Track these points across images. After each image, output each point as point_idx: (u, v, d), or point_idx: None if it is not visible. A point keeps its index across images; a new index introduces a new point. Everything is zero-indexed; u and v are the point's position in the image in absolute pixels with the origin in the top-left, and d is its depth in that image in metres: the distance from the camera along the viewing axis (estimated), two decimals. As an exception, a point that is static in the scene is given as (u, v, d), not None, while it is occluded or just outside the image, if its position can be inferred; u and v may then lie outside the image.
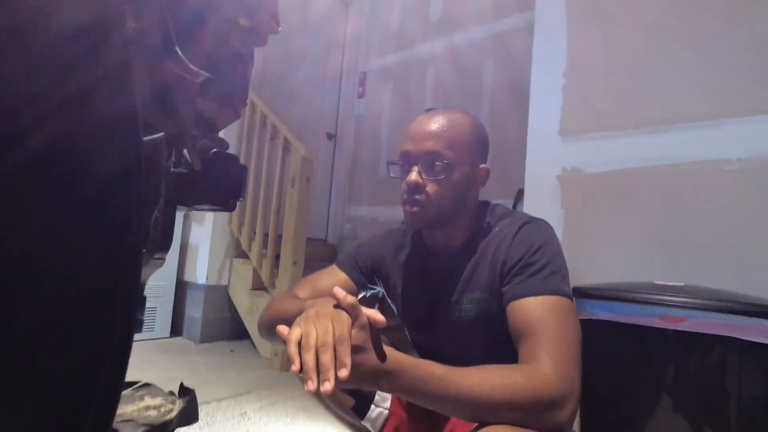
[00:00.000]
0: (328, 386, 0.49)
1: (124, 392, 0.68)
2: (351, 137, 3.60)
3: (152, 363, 2.08)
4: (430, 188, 0.77)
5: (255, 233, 2.47)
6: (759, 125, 1.16)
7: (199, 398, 1.75)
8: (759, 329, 0.85)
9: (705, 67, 1.26)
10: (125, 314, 0.26)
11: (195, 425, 1.43)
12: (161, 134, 0.61)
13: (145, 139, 0.62)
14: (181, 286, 2.68)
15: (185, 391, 0.68)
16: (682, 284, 1.02)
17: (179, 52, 0.35)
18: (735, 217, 1.17)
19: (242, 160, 2.66)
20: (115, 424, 0.53)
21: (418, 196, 0.77)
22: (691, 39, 1.29)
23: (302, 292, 0.89)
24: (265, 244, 2.42)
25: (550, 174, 1.46)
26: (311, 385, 0.49)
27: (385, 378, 0.53)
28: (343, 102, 3.60)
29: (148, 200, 0.69)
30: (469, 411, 0.55)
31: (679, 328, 0.89)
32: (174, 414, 0.59)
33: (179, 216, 2.66)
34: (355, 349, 0.52)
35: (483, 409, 0.54)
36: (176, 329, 2.65)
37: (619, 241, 1.32)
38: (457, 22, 3.01)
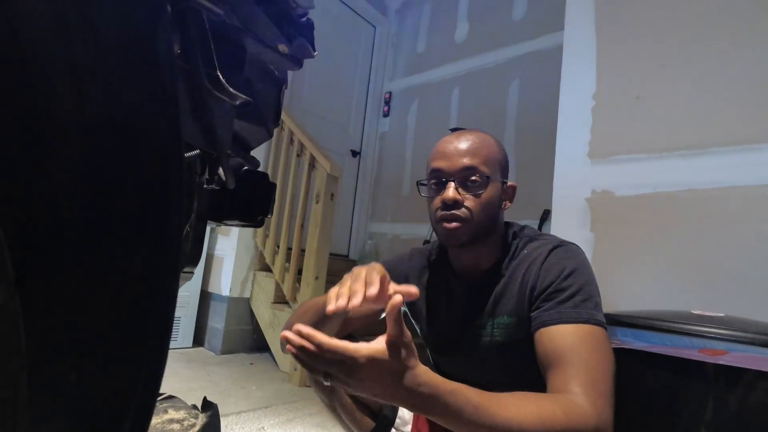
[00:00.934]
0: (355, 301, 0.54)
1: (149, 404, 0.69)
2: (375, 155, 3.63)
3: (175, 372, 2.11)
4: (468, 204, 0.76)
5: (279, 247, 2.51)
6: (803, 150, 1.11)
7: (220, 411, 1.76)
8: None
9: (744, 89, 1.22)
10: (162, 330, 0.27)
11: (214, 439, 1.44)
12: (196, 151, 0.63)
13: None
14: (205, 297, 2.72)
15: (208, 406, 0.68)
16: (722, 315, 0.97)
17: (221, 76, 0.36)
18: (777, 245, 1.11)
19: (269, 174, 2.72)
20: (140, 437, 0.54)
21: (457, 212, 0.75)
22: (729, 59, 1.25)
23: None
24: (288, 259, 2.44)
25: (578, 196, 1.42)
26: (331, 306, 0.56)
27: (419, 401, 0.51)
28: (368, 120, 3.65)
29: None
30: None
31: (720, 362, 0.84)
32: (197, 429, 0.59)
33: (207, 229, 2.72)
34: (397, 364, 0.50)
35: None
36: (198, 339, 2.69)
37: (652, 267, 1.27)
38: (483, 43, 3.04)
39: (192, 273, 0.72)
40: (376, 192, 3.55)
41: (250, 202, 0.74)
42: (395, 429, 0.86)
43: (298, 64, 0.45)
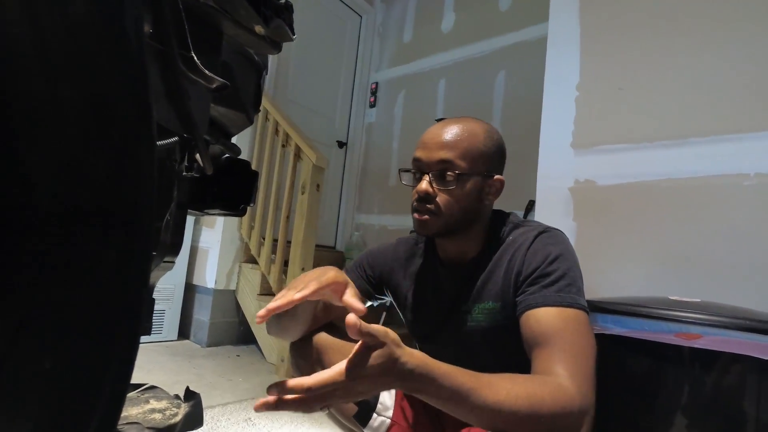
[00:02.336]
0: (273, 305, 0.60)
1: (130, 395, 0.69)
2: (362, 146, 3.62)
3: (160, 365, 2.09)
4: (441, 198, 0.76)
5: (264, 239, 2.49)
6: (778, 140, 1.14)
7: (205, 403, 1.75)
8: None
9: (723, 80, 1.24)
10: (133, 318, 0.26)
11: (199, 430, 1.43)
12: (175, 138, 0.62)
13: (158, 143, 0.63)
14: (190, 290, 2.69)
15: (191, 395, 0.68)
16: (698, 300, 1.00)
17: (195, 58, 0.35)
18: (753, 232, 1.14)
19: (254, 166, 2.68)
20: (120, 427, 0.53)
21: (428, 206, 0.76)
22: (709, 51, 1.27)
23: None
24: (274, 250, 2.43)
25: (562, 186, 1.44)
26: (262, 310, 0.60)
27: (414, 384, 0.52)
28: (354, 111, 3.63)
29: (160, 204, 0.70)
30: (491, 423, 0.54)
31: (695, 346, 0.86)
32: (179, 418, 0.58)
33: (189, 220, 2.69)
34: (384, 364, 0.49)
35: (505, 422, 0.53)
36: (184, 332, 2.66)
37: (633, 255, 1.29)
38: (469, 33, 3.03)
39: (173, 263, 0.71)
40: (363, 183, 3.54)
41: (232, 190, 0.73)
42: (377, 413, 0.86)
43: (276, 47, 0.44)
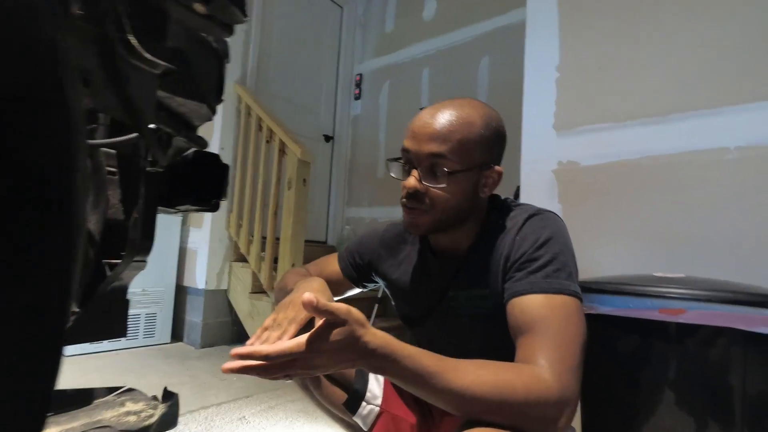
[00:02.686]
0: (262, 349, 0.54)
1: (106, 398, 0.67)
2: (348, 139, 3.59)
3: (153, 369, 2.07)
4: (432, 195, 0.69)
5: (253, 237, 2.47)
6: (758, 112, 1.13)
7: (198, 403, 1.74)
8: (762, 320, 0.83)
9: (701, 55, 1.24)
10: (54, 323, 0.24)
11: (193, 430, 1.42)
12: (135, 134, 0.60)
13: (120, 139, 0.61)
14: (181, 291, 2.67)
15: (168, 396, 0.66)
16: (682, 275, 1.00)
17: (133, 40, 0.33)
18: (734, 206, 1.14)
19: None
20: (91, 431, 0.52)
21: (418, 203, 0.70)
22: (687, 27, 1.26)
23: (313, 268, 0.96)
24: (263, 248, 2.41)
25: (545, 169, 1.43)
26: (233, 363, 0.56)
27: (378, 363, 0.52)
28: (339, 104, 3.59)
29: (127, 202, 0.68)
30: (459, 408, 0.53)
31: (679, 320, 0.86)
32: (154, 419, 0.57)
33: (176, 221, 2.65)
34: (346, 339, 0.51)
35: (473, 408, 0.53)
36: (177, 335, 2.64)
37: (618, 234, 1.29)
38: (451, 20, 3.00)
39: (144, 262, 0.70)
40: (352, 176, 3.52)
41: (202, 184, 0.71)
42: (366, 402, 0.86)
43: (226, 29, 0.42)
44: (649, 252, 1.25)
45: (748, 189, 1.13)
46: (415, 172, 0.70)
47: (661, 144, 1.25)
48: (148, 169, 0.61)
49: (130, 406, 0.60)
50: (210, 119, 0.63)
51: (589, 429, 1.05)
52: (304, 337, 0.51)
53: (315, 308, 0.50)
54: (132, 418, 0.56)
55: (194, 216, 2.71)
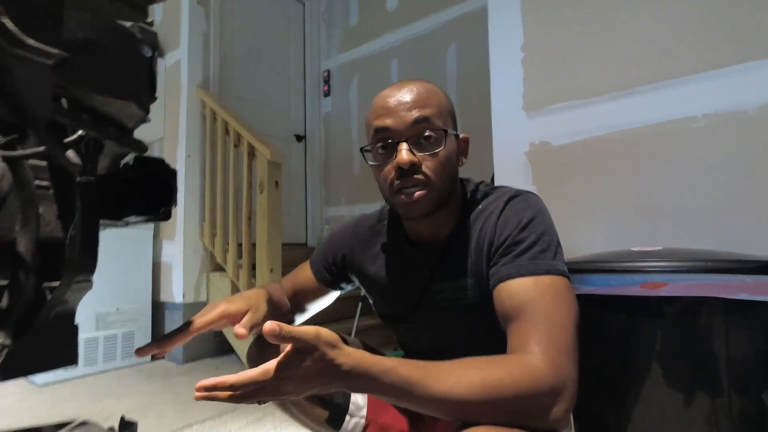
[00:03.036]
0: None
1: (55, 435, 0.61)
2: (321, 137, 3.52)
3: (132, 390, 1.99)
4: (427, 166, 0.65)
5: (228, 245, 2.39)
6: (722, 79, 1.13)
7: (183, 421, 1.67)
8: (741, 286, 0.82)
9: (664, 26, 1.23)
10: None
11: (175, 452, 1.36)
12: (42, 148, 0.54)
13: (36, 150, 0.55)
14: (159, 308, 2.58)
15: (126, 426, 0.61)
16: (660, 248, 0.99)
17: (9, 24, 0.28)
18: (705, 173, 1.14)
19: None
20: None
21: (418, 176, 0.65)
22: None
23: (286, 282, 0.92)
24: (240, 255, 2.34)
25: (518, 152, 1.41)
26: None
27: (355, 383, 0.48)
28: (309, 102, 3.52)
29: (62, 217, 0.62)
30: (448, 414, 0.50)
31: (661, 294, 0.85)
32: (107, 455, 0.52)
33: (147, 235, 2.55)
34: (317, 364, 0.47)
35: (463, 412, 0.49)
36: (158, 352, 2.55)
37: (594, 211, 1.28)
38: (416, 9, 2.97)
39: (89, 282, 0.63)
40: (327, 175, 3.46)
41: (148, 192, 0.65)
42: (350, 415, 0.81)
43: (139, 11, 0.37)
44: (624, 227, 1.24)
45: (718, 156, 1.13)
46: (403, 146, 0.65)
47: (629, 117, 1.24)
48: (79, 179, 0.55)
49: (82, 442, 0.54)
50: (145, 120, 0.57)
51: (580, 412, 1.04)
52: (272, 364, 0.47)
53: (278, 336, 0.45)
54: (82, 456, 0.50)
55: (166, 228, 2.62)
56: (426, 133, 0.65)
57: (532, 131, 1.39)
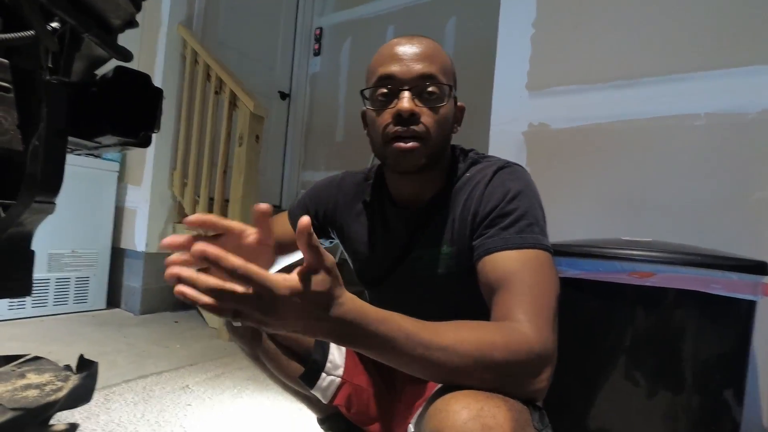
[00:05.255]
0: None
1: (3, 369, 0.55)
2: (306, 98, 3.39)
3: (83, 337, 1.89)
4: (426, 119, 0.64)
5: (199, 197, 2.28)
6: (729, 79, 1.13)
7: (136, 372, 1.59)
8: (726, 283, 0.83)
9: (677, 20, 1.21)
10: None
11: (128, 400, 1.30)
12: (29, 33, 0.45)
13: (3, 37, 0.46)
14: (118, 254, 2.45)
15: (85, 365, 0.55)
16: (650, 240, 0.99)
17: None
18: (701, 172, 1.15)
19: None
20: (-31, 411, 0.40)
21: (415, 127, 0.64)
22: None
23: None
24: (210, 209, 2.23)
25: (516, 131, 1.38)
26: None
27: (347, 331, 0.43)
28: (297, 60, 3.36)
29: (23, 124, 0.54)
30: (437, 372, 0.47)
31: (648, 284, 0.85)
32: (62, 394, 0.46)
33: (110, 176, 2.39)
34: (321, 296, 0.41)
35: (453, 372, 0.46)
36: (113, 301, 2.44)
37: (586, 198, 1.28)
38: (419, -25, 2.84)
39: (51, 203, 0.56)
40: (308, 138, 3.35)
41: (128, 110, 0.57)
42: (326, 373, 0.78)
43: None
44: (615, 216, 1.25)
45: (715, 156, 1.13)
46: (406, 94, 0.63)
47: (631, 108, 1.23)
48: (49, 79, 0.47)
49: (31, 378, 0.48)
50: (132, 22, 0.49)
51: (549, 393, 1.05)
52: (280, 276, 0.40)
53: (307, 242, 0.39)
54: (32, 393, 0.44)
55: (132, 172, 2.46)
56: (430, 88, 0.65)
57: (533, 111, 1.36)
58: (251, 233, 0.55)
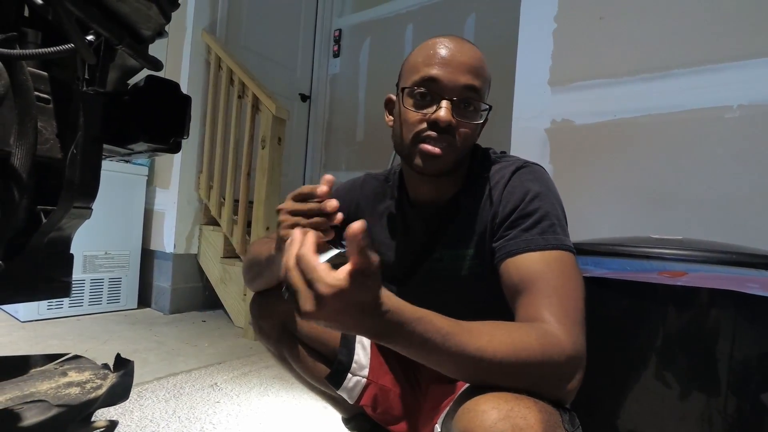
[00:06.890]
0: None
1: (45, 367, 0.57)
2: (326, 99, 3.41)
3: (116, 335, 1.96)
4: (461, 132, 0.65)
5: (224, 199, 2.33)
6: (763, 69, 1.08)
7: (167, 370, 1.63)
8: (764, 282, 0.80)
9: (706, 8, 1.16)
10: None
11: (160, 397, 1.34)
12: (68, 46, 0.47)
13: (45, 50, 0.48)
14: (148, 255, 2.53)
15: (122, 363, 0.57)
16: (680, 237, 0.96)
17: None
18: (734, 166, 1.11)
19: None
20: (18, 407, 0.43)
21: (448, 137, 0.64)
22: (691, -21, 1.18)
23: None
24: (235, 211, 2.28)
25: (538, 127, 1.36)
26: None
27: (384, 329, 0.44)
28: (317, 61, 3.39)
29: (61, 132, 0.56)
30: (472, 373, 0.47)
31: (679, 284, 0.83)
32: (102, 391, 0.48)
33: (140, 180, 2.47)
34: (364, 295, 0.42)
35: (488, 373, 0.46)
36: (144, 300, 2.52)
37: (612, 195, 1.25)
38: (438, -27, 2.82)
39: (88, 209, 0.58)
40: (329, 139, 3.38)
41: (159, 118, 0.59)
42: (351, 374, 0.79)
43: None
44: (643, 213, 1.21)
45: (748, 149, 1.09)
46: (446, 104, 0.63)
47: (660, 101, 1.19)
48: (86, 90, 0.49)
49: (73, 376, 0.50)
50: (162, 32, 0.51)
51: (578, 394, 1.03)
52: (331, 275, 0.41)
53: (358, 245, 0.40)
54: (74, 390, 0.47)
55: (161, 176, 2.54)
56: (471, 102, 0.65)
57: (556, 107, 1.33)
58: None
